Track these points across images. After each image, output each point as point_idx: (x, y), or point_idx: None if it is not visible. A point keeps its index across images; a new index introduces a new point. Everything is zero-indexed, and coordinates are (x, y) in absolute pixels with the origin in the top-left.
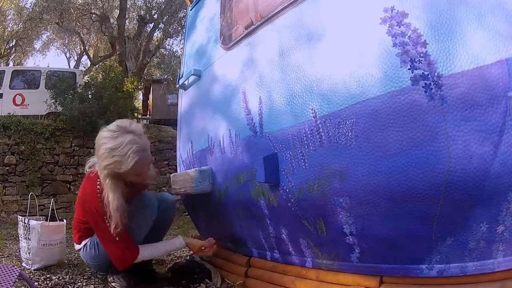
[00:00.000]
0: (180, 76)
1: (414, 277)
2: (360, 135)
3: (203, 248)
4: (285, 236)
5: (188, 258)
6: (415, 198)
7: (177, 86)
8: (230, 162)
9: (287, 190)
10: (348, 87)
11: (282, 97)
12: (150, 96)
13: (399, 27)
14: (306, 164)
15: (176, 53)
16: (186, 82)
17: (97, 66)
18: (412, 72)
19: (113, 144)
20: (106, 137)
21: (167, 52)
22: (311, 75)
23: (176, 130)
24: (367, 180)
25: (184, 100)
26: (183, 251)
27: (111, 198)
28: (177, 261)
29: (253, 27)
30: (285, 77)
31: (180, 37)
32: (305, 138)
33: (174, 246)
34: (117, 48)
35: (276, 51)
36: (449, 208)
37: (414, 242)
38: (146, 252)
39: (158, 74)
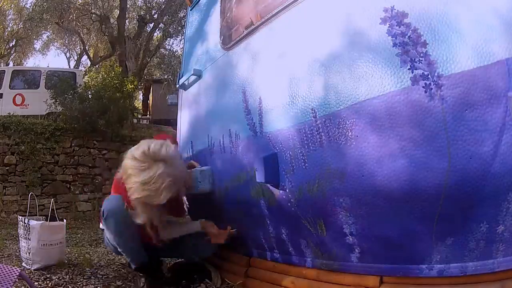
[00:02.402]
0: (180, 76)
1: (414, 277)
2: (360, 135)
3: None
4: (285, 236)
5: None
6: (415, 198)
7: (177, 86)
8: (230, 162)
9: (287, 190)
10: (348, 87)
11: (282, 97)
12: (150, 96)
13: (399, 27)
14: (306, 164)
15: (176, 53)
16: (186, 82)
17: (97, 66)
18: (412, 72)
19: (143, 178)
20: (134, 168)
21: (167, 52)
22: (311, 75)
23: (176, 130)
24: (367, 180)
25: (184, 100)
26: None
27: (142, 219)
28: (177, 261)
29: (253, 27)
30: (285, 77)
31: (180, 37)
32: (305, 138)
33: (191, 229)
34: (117, 48)
35: (276, 51)
36: (449, 208)
37: (414, 242)
38: (166, 232)
39: (158, 74)
